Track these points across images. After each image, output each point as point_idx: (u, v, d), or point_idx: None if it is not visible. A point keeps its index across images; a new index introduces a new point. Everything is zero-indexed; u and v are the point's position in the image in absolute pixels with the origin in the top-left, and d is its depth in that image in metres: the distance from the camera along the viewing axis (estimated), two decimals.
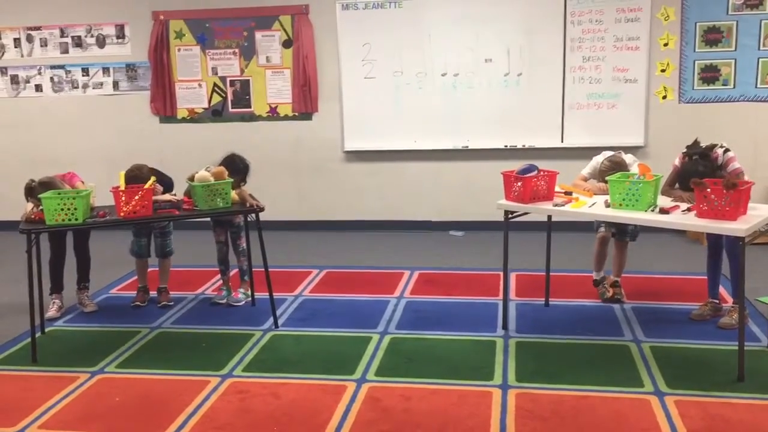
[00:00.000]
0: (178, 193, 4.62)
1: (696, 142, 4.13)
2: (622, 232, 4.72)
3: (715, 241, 4.29)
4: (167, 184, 4.66)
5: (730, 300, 4.44)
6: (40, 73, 7.31)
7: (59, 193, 4.10)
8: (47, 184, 4.27)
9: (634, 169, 4.40)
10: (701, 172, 3.86)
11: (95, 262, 4.99)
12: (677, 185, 4.17)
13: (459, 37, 6.58)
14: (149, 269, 5.07)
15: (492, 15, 6.50)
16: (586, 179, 4.58)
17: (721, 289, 4.50)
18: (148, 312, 4.84)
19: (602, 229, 4.74)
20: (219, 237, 4.96)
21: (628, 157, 4.52)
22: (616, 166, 4.36)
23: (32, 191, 4.28)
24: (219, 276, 5.12)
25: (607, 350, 3.97)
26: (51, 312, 4.73)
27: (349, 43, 6.75)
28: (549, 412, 3.27)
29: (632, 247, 4.82)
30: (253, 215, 4.39)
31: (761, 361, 3.75)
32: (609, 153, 4.58)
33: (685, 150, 4.13)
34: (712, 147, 4.09)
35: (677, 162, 4.20)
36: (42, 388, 3.68)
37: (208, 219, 4.78)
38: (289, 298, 5.01)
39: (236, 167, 4.62)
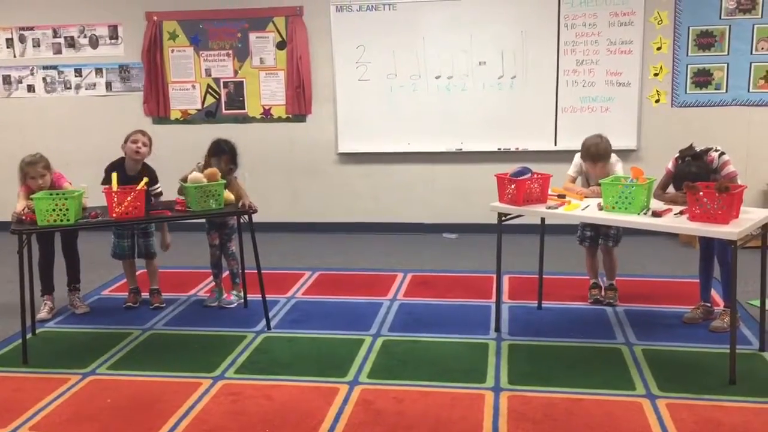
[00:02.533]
0: (173, 194, 4.60)
1: (691, 147, 4.13)
2: (606, 237, 4.73)
3: (708, 245, 4.30)
4: (152, 177, 4.65)
5: (721, 303, 4.45)
6: (32, 74, 7.29)
7: (51, 194, 4.08)
8: (33, 163, 4.36)
9: (618, 168, 4.42)
10: (694, 173, 3.86)
11: (87, 263, 4.97)
12: (670, 188, 4.18)
13: (453, 39, 6.59)
14: (138, 271, 5.05)
15: (486, 18, 6.52)
16: (573, 179, 4.61)
17: (713, 293, 4.51)
18: (140, 313, 4.82)
19: (586, 243, 4.78)
20: (213, 240, 4.93)
21: (611, 156, 4.53)
22: (597, 157, 4.38)
23: (23, 171, 4.36)
24: (211, 278, 5.11)
25: (599, 353, 3.97)
26: (42, 313, 4.70)
27: (343, 45, 6.75)
28: (541, 414, 3.27)
29: (625, 249, 4.83)
30: (246, 216, 4.38)
31: (752, 364, 3.76)
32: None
33: (678, 154, 4.14)
34: (707, 150, 4.09)
35: (670, 166, 4.20)
36: (33, 389, 3.66)
37: (201, 221, 4.76)
38: (282, 300, 5.00)
39: (221, 149, 4.62)
